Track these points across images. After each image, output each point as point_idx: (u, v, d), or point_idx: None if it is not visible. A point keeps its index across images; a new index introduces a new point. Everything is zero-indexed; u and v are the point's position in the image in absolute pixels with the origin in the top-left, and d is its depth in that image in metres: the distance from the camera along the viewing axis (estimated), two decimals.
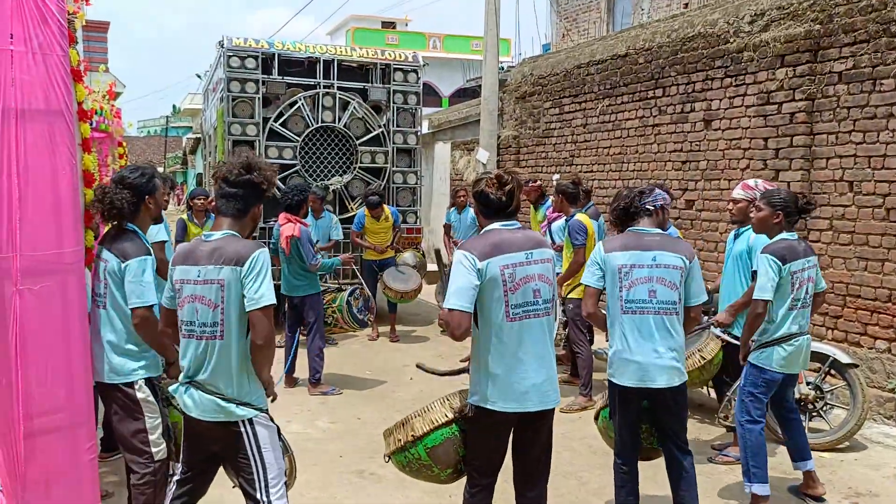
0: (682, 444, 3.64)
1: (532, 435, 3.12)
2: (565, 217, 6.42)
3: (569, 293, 6.14)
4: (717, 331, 4.90)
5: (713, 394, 5.54)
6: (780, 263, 3.93)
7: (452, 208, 9.49)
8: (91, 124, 4.38)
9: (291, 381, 6.56)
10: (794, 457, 4.29)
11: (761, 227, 4.19)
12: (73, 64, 3.14)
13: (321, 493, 4.36)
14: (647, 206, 3.63)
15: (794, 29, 6.44)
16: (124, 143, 8.42)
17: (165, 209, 5.19)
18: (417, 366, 3.93)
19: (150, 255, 3.34)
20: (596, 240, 6.26)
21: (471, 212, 9.16)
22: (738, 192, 4.77)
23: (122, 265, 3.25)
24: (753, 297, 4.03)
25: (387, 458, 3.31)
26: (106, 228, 4.21)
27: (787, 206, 4.08)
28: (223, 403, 2.81)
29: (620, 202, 3.69)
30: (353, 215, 8.88)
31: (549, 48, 16.90)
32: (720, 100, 7.28)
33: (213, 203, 3.92)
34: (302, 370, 6.62)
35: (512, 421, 3.05)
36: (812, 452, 4.33)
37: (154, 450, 3.32)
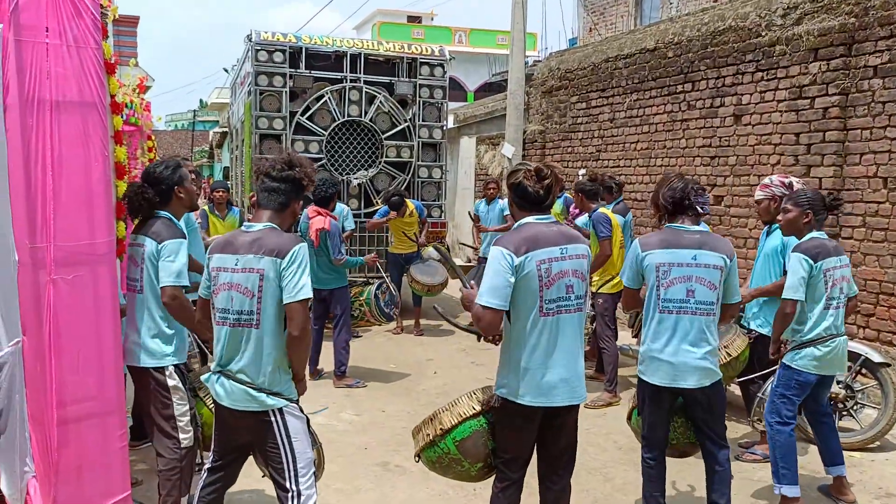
0: (716, 438, 3.59)
1: (558, 429, 3.11)
2: (588, 214, 6.37)
3: (598, 288, 6.11)
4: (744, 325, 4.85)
5: (738, 391, 5.48)
6: (811, 262, 3.86)
7: (482, 199, 9.47)
8: (122, 117, 4.44)
9: (315, 373, 6.61)
10: (826, 461, 4.22)
11: (790, 229, 4.11)
12: (107, 57, 3.18)
13: (346, 484, 4.38)
14: (698, 208, 3.54)
15: (828, 22, 6.32)
16: (153, 137, 8.50)
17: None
18: (434, 307, 3.80)
19: (185, 238, 3.42)
20: (622, 233, 6.22)
21: (499, 204, 9.12)
22: (757, 194, 4.77)
23: (159, 246, 3.34)
24: (783, 297, 3.95)
25: (417, 458, 3.31)
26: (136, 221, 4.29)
27: (815, 205, 4.01)
28: (254, 393, 2.84)
29: (676, 191, 3.51)
30: (378, 209, 8.90)
31: (575, 42, 16.79)
32: (751, 94, 7.18)
33: (254, 197, 3.98)
34: (326, 363, 6.66)
35: (539, 415, 3.03)
36: (843, 454, 4.26)
37: (182, 436, 3.41)
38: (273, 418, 2.88)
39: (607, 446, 5.10)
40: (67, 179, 2.96)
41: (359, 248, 8.92)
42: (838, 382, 5.02)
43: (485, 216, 9.17)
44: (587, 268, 3.08)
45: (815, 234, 3.99)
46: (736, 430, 5.37)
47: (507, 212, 9.03)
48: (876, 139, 5.96)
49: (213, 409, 3.11)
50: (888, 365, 5.08)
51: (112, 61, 3.38)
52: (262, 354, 2.85)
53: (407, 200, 8.50)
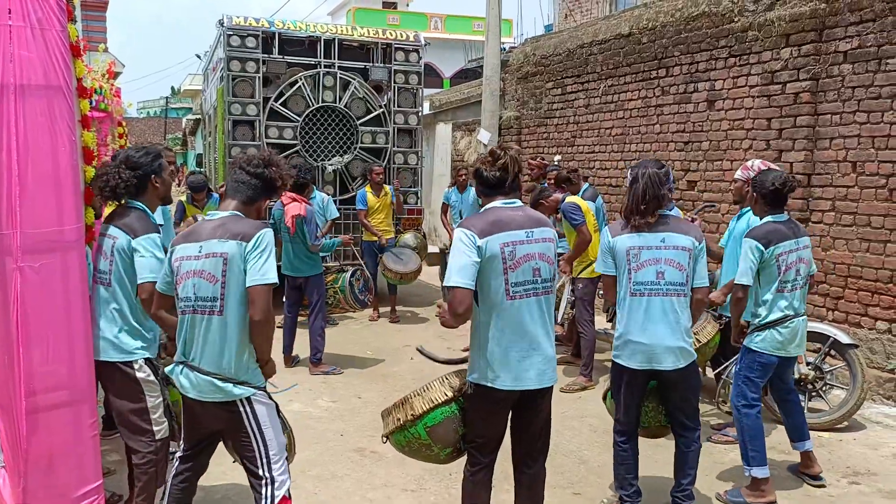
0: (686, 420, 3.65)
1: (531, 413, 3.13)
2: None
3: (579, 273, 6.14)
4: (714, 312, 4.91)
5: (710, 373, 5.55)
6: (762, 248, 3.93)
7: (453, 188, 9.41)
8: (91, 103, 4.34)
9: (291, 360, 6.59)
10: (793, 437, 4.31)
11: (753, 209, 4.26)
12: (72, 39, 3.12)
13: (322, 470, 4.38)
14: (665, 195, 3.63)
15: (800, 8, 6.38)
16: (124, 124, 8.36)
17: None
18: (418, 349, 3.94)
19: (159, 232, 3.31)
20: (595, 217, 6.25)
21: (471, 191, 9.10)
22: (737, 173, 4.85)
23: (133, 242, 3.21)
24: (734, 282, 4.05)
25: (384, 439, 3.30)
26: (108, 208, 4.18)
27: (758, 187, 4.08)
28: (220, 383, 2.81)
29: (638, 196, 3.56)
30: (354, 195, 8.87)
31: (551, 28, 16.78)
32: (724, 80, 7.23)
33: (222, 188, 3.90)
34: (302, 350, 6.64)
35: (511, 398, 3.05)
36: (811, 432, 4.34)
37: (156, 428, 3.31)
38: (241, 408, 2.85)
39: (582, 429, 5.15)
40: (34, 165, 2.90)
41: (333, 235, 8.86)
42: (808, 364, 5.11)
43: (457, 205, 9.09)
44: (554, 252, 3.09)
45: (770, 217, 4.06)
46: (707, 410, 5.44)
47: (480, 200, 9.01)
48: (845, 124, 6.04)
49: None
50: (856, 346, 5.18)
51: (78, 44, 3.31)
52: (227, 342, 2.82)
53: (383, 185, 8.56)
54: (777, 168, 4.37)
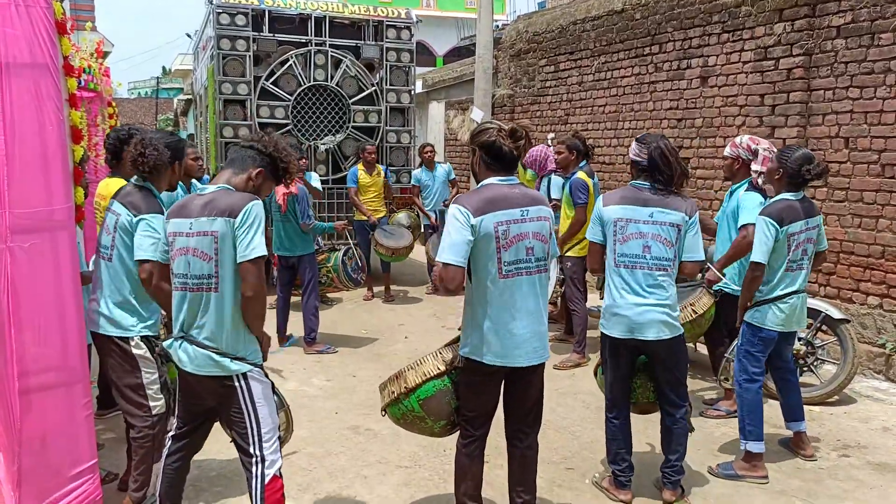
0: (674, 397, 3.67)
1: (523, 388, 3.15)
2: (565, 175, 6.35)
3: (567, 251, 6.14)
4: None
5: (704, 350, 5.59)
6: (777, 226, 3.89)
7: (420, 168, 9.18)
8: (79, 82, 4.31)
9: (284, 339, 6.59)
10: (787, 416, 4.33)
11: (767, 177, 4.25)
12: (57, 16, 3.08)
13: (317, 448, 4.40)
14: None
15: None
16: (114, 104, 8.28)
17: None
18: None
19: (163, 213, 3.29)
20: (595, 197, 6.23)
21: (441, 168, 9.05)
22: (726, 150, 4.81)
23: (135, 219, 3.26)
24: (751, 260, 3.96)
25: (383, 412, 3.34)
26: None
27: (787, 166, 3.96)
28: (217, 358, 2.81)
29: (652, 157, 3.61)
30: (346, 175, 8.83)
31: (544, 5, 16.64)
32: (717, 56, 7.20)
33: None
34: (296, 329, 6.64)
35: (502, 374, 3.08)
36: (804, 410, 4.36)
37: (152, 404, 3.36)
38: (237, 383, 2.85)
39: (576, 406, 5.18)
40: (21, 144, 2.87)
41: (327, 216, 8.85)
42: (799, 339, 5.14)
43: (429, 185, 9.00)
44: (549, 230, 3.09)
45: (786, 195, 4.00)
46: (700, 386, 5.49)
47: (452, 176, 9.05)
48: (838, 100, 6.02)
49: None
50: (847, 321, 5.21)
51: (64, 21, 3.27)
52: (224, 318, 2.81)
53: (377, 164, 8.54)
54: (799, 148, 4.23)
